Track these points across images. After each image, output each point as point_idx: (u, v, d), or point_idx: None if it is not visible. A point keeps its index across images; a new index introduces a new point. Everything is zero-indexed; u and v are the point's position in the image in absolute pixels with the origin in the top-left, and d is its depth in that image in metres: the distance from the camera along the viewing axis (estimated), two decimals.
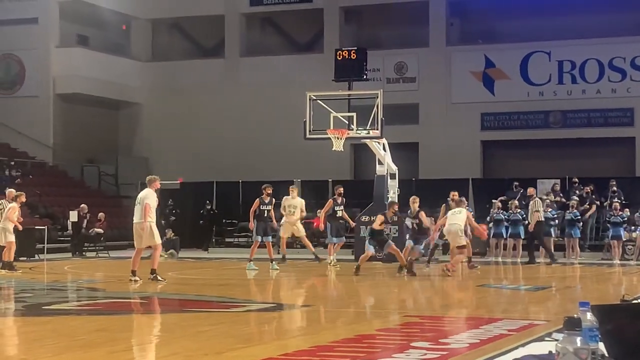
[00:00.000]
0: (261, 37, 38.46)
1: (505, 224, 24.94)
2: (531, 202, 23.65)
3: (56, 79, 34.68)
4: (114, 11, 35.69)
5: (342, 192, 21.83)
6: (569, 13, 33.15)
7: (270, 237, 20.81)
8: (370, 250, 18.69)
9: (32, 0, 34.71)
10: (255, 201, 20.47)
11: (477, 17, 35.07)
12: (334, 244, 21.75)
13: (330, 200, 21.72)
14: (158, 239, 17.03)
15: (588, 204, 26.28)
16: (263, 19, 38.21)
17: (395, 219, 19.23)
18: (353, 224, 22.81)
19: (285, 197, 22.04)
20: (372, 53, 25.40)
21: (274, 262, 20.56)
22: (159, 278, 16.71)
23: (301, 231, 22.06)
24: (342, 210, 21.64)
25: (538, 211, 23.40)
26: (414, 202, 19.39)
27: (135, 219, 16.86)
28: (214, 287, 17.46)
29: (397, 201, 20.55)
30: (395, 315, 12.48)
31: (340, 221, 21.78)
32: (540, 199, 24.80)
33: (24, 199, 20.70)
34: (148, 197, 16.77)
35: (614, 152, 32.32)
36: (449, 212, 19.21)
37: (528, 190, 24.35)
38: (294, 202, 21.73)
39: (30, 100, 34.55)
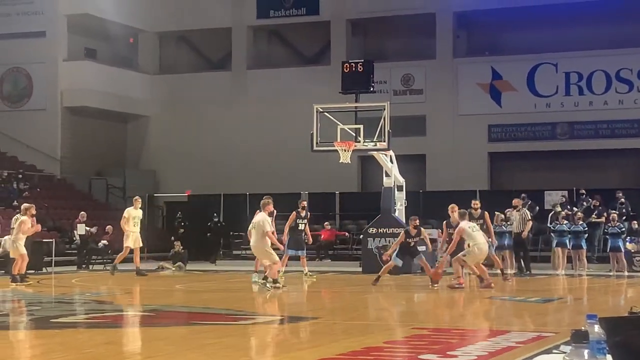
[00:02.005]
0: (268, 49, 38.54)
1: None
2: (518, 213, 23.69)
3: (64, 92, 34.78)
4: (121, 24, 35.81)
5: (306, 205, 21.68)
6: (575, 25, 33.15)
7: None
8: (396, 262, 18.80)
9: (40, 14, 34.84)
10: (292, 215, 20.97)
11: (484, 29, 35.10)
12: (287, 256, 21.60)
13: (294, 213, 21.43)
14: (275, 257, 17.68)
15: (596, 215, 26.22)
16: (270, 31, 38.30)
17: (417, 232, 19.10)
18: (311, 241, 22.75)
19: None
20: (379, 65, 25.45)
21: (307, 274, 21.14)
22: (277, 285, 17.38)
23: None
24: (305, 223, 21.46)
25: (530, 220, 23.58)
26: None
27: (252, 242, 17.70)
28: (221, 299, 17.45)
29: (415, 215, 20.11)
30: (403, 327, 12.46)
31: (301, 235, 21.42)
32: (556, 211, 25.05)
33: (34, 211, 20.80)
34: (265, 223, 17.40)
35: (622, 164, 32.26)
36: (468, 228, 18.32)
37: (513, 201, 24.31)
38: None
39: (38, 114, 34.65)
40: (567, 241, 24.20)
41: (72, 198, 33.46)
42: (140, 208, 23.44)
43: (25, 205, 21.13)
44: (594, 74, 32.44)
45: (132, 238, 22.82)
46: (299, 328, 12.40)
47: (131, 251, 23.12)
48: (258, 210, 18.54)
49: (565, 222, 24.45)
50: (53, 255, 25.08)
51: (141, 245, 23.37)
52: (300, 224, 21.27)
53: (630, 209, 26.62)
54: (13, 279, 20.07)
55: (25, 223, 20.28)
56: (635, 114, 31.97)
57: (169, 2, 37.28)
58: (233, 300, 17.40)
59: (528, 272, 23.43)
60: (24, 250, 20.36)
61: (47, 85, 34.75)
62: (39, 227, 21.13)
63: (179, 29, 37.86)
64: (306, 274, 21.41)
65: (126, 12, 35.70)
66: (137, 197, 23.73)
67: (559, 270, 23.83)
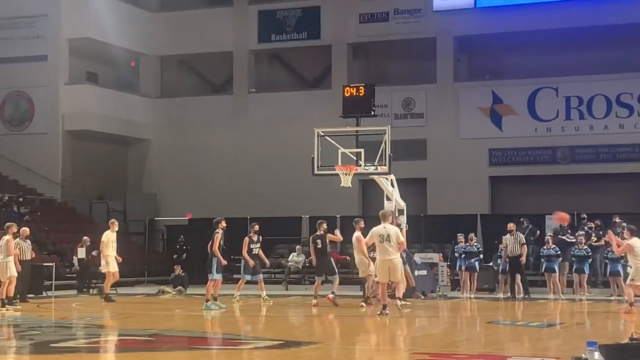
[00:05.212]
0: (269, 73, 38.64)
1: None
2: (512, 237, 23.72)
3: (65, 116, 34.82)
4: (123, 48, 35.92)
5: (258, 229, 21.76)
6: (576, 49, 33.24)
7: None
8: None
9: (42, 38, 34.96)
10: (245, 240, 21.41)
11: (485, 53, 35.19)
12: (244, 280, 21.69)
13: (247, 238, 21.52)
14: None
15: (595, 238, 26.14)
16: (271, 55, 38.42)
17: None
18: (268, 263, 22.82)
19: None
20: (380, 89, 25.46)
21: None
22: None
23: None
24: (258, 247, 21.54)
25: (526, 244, 23.61)
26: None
27: (387, 256, 17.51)
28: (221, 324, 17.41)
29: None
30: (404, 352, 12.42)
31: (256, 259, 21.50)
32: (555, 234, 25.17)
33: (14, 230, 20.63)
34: (399, 234, 17.83)
35: (622, 188, 32.23)
36: None
37: (508, 225, 24.31)
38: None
39: (39, 137, 34.68)
40: (556, 266, 24.19)
41: (73, 222, 33.43)
42: (117, 231, 23.11)
43: (7, 224, 20.93)
44: (594, 98, 32.49)
45: (112, 262, 22.52)
46: (300, 353, 12.36)
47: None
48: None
49: (554, 246, 24.45)
50: (53, 279, 25.03)
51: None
52: (254, 249, 21.39)
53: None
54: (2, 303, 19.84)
55: (10, 242, 20.07)
56: (636, 138, 31.99)
57: (170, 26, 37.42)
58: (233, 325, 17.38)
59: (527, 295, 23.39)
60: (13, 272, 20.12)
61: (49, 109, 34.81)
62: (17, 256, 20.77)
63: (180, 52, 37.98)
64: (264, 298, 21.54)
65: (127, 36, 35.84)
66: (113, 219, 23.47)
67: (557, 294, 23.75)
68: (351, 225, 21.95)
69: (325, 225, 21.48)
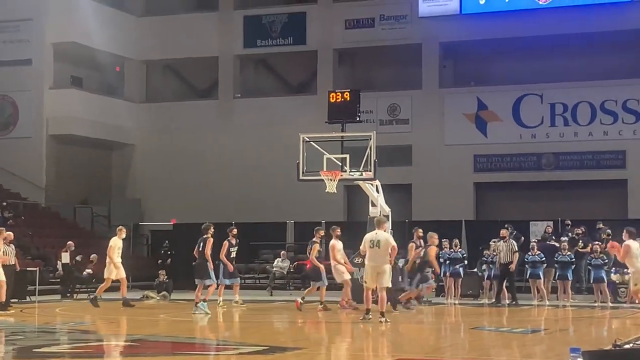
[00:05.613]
0: (255, 78, 38.62)
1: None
2: (505, 244, 23.80)
3: (49, 120, 34.68)
4: (107, 53, 35.80)
5: (236, 233, 21.82)
6: (560, 56, 33.38)
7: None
8: None
9: (26, 42, 34.83)
10: (225, 244, 21.54)
11: (470, 59, 35.27)
12: (223, 285, 21.76)
13: (226, 242, 21.55)
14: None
15: (582, 244, 26.19)
16: (257, 60, 38.39)
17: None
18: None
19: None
20: (366, 95, 25.49)
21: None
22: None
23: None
24: (235, 251, 21.64)
25: (517, 252, 23.69)
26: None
27: (376, 262, 17.28)
28: (205, 329, 17.37)
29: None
30: (388, 358, 12.41)
31: (233, 263, 21.71)
32: (538, 240, 25.24)
33: (4, 234, 20.58)
34: (390, 240, 17.54)
35: (606, 195, 32.34)
36: None
37: (501, 232, 24.38)
38: None
39: (24, 142, 34.52)
40: (541, 272, 24.26)
41: (57, 227, 33.31)
42: (124, 238, 23.18)
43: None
44: (579, 105, 32.62)
45: (116, 269, 22.50)
46: (284, 358, 12.34)
47: (116, 281, 22.85)
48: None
49: (539, 252, 24.51)
50: (37, 284, 24.90)
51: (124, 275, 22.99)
52: (232, 252, 21.49)
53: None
54: None
55: None
56: (620, 145, 32.13)
57: (155, 30, 37.36)
58: (218, 330, 17.34)
59: (514, 302, 23.42)
60: (2, 277, 20.06)
61: (33, 113, 34.66)
62: (6, 259, 20.77)
63: (165, 57, 37.91)
64: (237, 301, 21.58)
65: (112, 41, 35.71)
66: (121, 226, 23.53)
67: (543, 300, 23.80)
68: None
69: (322, 232, 21.67)
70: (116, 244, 22.62)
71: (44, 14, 34.67)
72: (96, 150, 36.78)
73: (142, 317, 19.87)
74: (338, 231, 21.19)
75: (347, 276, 20.87)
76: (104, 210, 35.84)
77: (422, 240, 21.42)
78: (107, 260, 22.56)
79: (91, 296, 23.09)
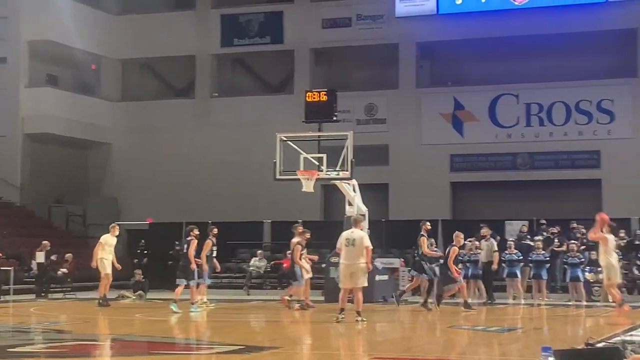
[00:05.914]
0: (232, 77, 38.57)
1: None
2: (486, 243, 23.93)
3: (25, 118, 34.49)
4: (84, 51, 35.64)
5: (217, 232, 21.82)
6: (536, 57, 33.55)
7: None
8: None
9: (1, 40, 34.61)
10: (207, 243, 21.20)
11: (447, 59, 35.38)
12: (205, 285, 21.73)
13: (209, 241, 21.49)
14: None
15: (558, 242, 26.33)
16: (234, 59, 38.35)
17: None
18: (219, 268, 22.96)
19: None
20: (343, 94, 25.52)
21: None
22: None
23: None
24: (215, 250, 21.69)
25: (497, 251, 23.77)
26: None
27: (350, 261, 17.02)
28: (181, 329, 17.34)
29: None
30: (364, 357, 12.44)
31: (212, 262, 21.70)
32: (515, 240, 25.37)
33: None
34: (365, 239, 17.24)
35: (581, 194, 32.53)
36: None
37: (482, 231, 24.49)
38: None
39: None
40: (518, 271, 24.41)
41: (32, 226, 33.13)
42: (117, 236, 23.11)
43: None
44: (554, 105, 32.82)
45: (108, 265, 22.47)
46: (261, 358, 12.34)
47: (99, 278, 22.71)
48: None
49: (516, 251, 24.66)
50: (11, 284, 24.78)
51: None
52: (214, 251, 21.55)
53: (588, 240, 26.71)
54: None
55: None
56: (594, 145, 32.34)
57: (132, 29, 37.23)
58: (194, 330, 17.31)
59: (490, 301, 23.54)
60: None
61: (8, 112, 34.45)
62: None
63: (142, 56, 37.79)
64: (205, 302, 21.55)
65: (88, 39, 35.58)
66: (114, 224, 23.46)
67: (519, 299, 23.95)
68: (313, 230, 22.05)
69: (308, 235, 21.68)
70: (107, 241, 22.58)
71: (19, 11, 34.51)
72: (72, 149, 36.61)
73: (117, 317, 19.81)
74: (300, 228, 21.51)
75: (308, 276, 21.12)
76: (80, 210, 35.71)
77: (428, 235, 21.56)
78: (97, 258, 22.36)
79: (67, 296, 22.97)
